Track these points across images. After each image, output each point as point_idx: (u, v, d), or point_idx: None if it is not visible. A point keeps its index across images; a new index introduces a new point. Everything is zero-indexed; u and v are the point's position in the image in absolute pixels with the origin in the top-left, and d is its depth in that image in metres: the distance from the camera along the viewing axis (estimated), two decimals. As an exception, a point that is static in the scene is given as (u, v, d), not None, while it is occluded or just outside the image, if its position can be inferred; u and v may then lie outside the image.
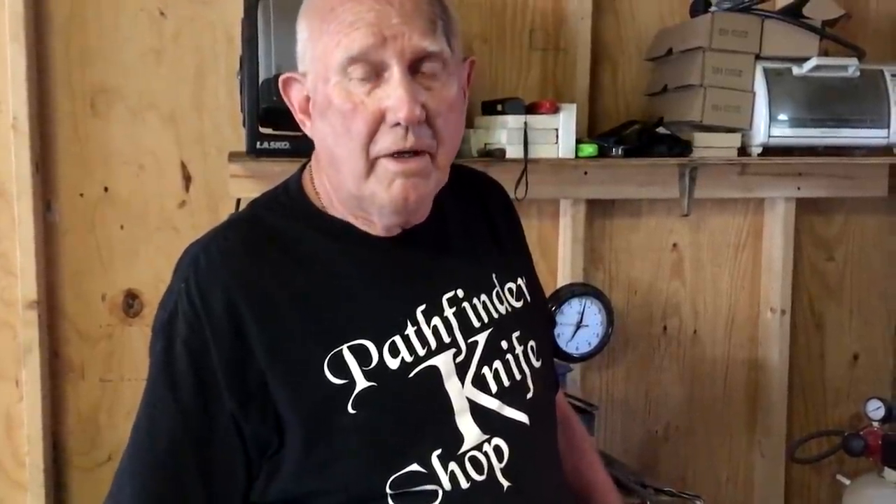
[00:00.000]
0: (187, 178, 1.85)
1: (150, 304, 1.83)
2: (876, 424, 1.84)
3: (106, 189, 1.82)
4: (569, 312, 1.81)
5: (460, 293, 1.06)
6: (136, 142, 1.82)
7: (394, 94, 0.93)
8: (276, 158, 1.58)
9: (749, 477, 2.25)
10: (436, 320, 1.02)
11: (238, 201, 1.72)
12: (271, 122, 1.58)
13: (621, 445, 2.14)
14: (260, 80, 1.54)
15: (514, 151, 1.76)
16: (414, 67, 0.95)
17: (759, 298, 2.20)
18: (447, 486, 0.97)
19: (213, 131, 1.84)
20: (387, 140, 0.95)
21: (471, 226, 1.13)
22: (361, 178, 0.97)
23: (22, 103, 1.71)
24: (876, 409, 1.85)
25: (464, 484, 0.97)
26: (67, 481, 1.85)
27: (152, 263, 1.83)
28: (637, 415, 2.17)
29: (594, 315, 1.83)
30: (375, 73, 0.94)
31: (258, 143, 1.59)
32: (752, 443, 2.25)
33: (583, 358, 1.85)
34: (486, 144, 1.80)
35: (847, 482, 1.92)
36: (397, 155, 0.95)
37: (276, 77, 1.50)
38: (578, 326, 1.82)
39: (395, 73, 0.93)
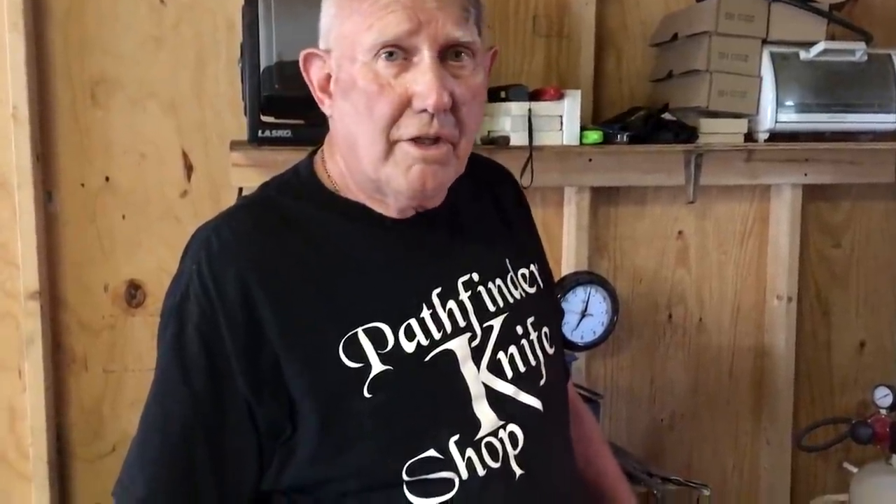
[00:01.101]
0: (189, 168, 1.84)
1: (152, 295, 1.81)
2: (883, 412, 1.83)
3: (107, 179, 1.81)
4: (573, 301, 1.80)
5: (475, 277, 1.05)
6: (136, 131, 1.81)
7: (422, 80, 0.92)
8: (279, 147, 1.57)
9: (755, 465, 2.25)
10: (451, 303, 1.01)
11: (240, 191, 1.70)
12: (273, 110, 1.56)
13: (626, 434, 2.14)
14: (261, 68, 1.52)
15: (518, 138, 1.75)
16: (443, 54, 0.93)
17: (765, 286, 2.19)
18: (464, 474, 0.96)
19: (215, 119, 1.83)
20: (411, 126, 0.93)
21: (482, 212, 1.12)
22: (379, 161, 0.95)
23: (22, 93, 1.70)
24: (884, 397, 1.84)
25: (480, 471, 0.97)
26: (71, 472, 1.85)
27: (154, 253, 1.82)
28: (642, 403, 2.16)
29: (599, 304, 1.82)
30: (404, 57, 0.93)
31: (260, 131, 1.57)
32: (758, 431, 2.24)
33: (588, 347, 1.84)
34: (489, 132, 1.78)
35: (854, 470, 1.91)
36: (418, 140, 0.94)
37: (278, 65, 1.50)
38: (583, 315, 1.81)
39: (426, 59, 0.92)
